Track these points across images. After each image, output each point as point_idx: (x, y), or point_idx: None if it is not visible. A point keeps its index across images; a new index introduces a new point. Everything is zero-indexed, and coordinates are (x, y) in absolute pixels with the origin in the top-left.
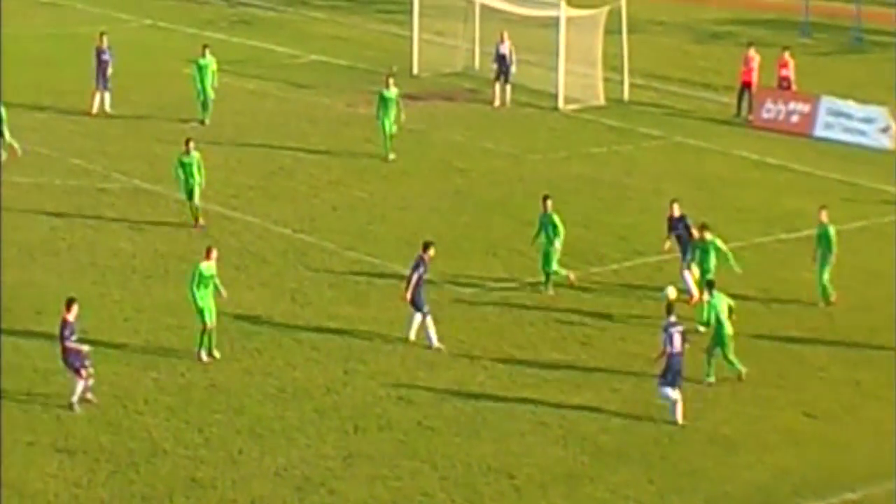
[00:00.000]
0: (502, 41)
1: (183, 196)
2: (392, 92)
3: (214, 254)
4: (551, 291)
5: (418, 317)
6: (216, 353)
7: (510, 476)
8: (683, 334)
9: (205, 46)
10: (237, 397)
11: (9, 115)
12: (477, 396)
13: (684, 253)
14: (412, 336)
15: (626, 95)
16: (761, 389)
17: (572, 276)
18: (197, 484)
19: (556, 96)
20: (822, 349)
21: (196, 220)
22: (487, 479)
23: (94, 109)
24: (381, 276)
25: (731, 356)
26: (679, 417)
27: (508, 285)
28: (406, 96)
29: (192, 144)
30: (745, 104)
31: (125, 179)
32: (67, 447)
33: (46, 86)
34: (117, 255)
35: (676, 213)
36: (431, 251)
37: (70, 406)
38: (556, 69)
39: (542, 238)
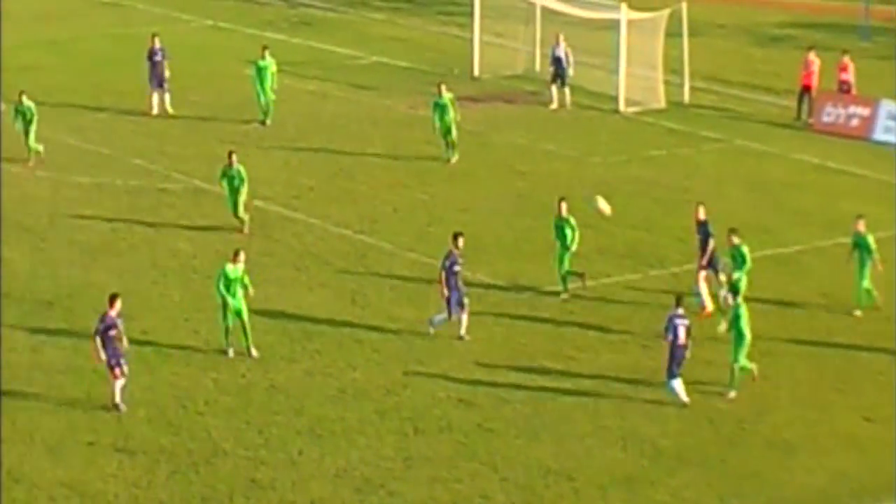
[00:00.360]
0: (558, 44)
1: (229, 206)
2: (445, 98)
3: (242, 256)
4: (566, 295)
5: (461, 315)
6: (254, 352)
7: (570, 478)
8: (689, 329)
9: (264, 48)
10: (297, 398)
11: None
12: (536, 398)
13: (702, 258)
14: (464, 334)
15: (686, 98)
16: (820, 393)
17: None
18: (256, 485)
19: (616, 99)
20: (881, 353)
21: (242, 227)
22: (547, 481)
23: (155, 110)
24: None
25: (737, 364)
26: (685, 398)
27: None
28: (467, 98)
29: (234, 157)
30: (805, 108)
31: (186, 180)
32: (127, 447)
33: (107, 86)
34: (177, 256)
35: (702, 216)
36: (461, 242)
37: (116, 407)
38: (616, 72)
39: (557, 242)
